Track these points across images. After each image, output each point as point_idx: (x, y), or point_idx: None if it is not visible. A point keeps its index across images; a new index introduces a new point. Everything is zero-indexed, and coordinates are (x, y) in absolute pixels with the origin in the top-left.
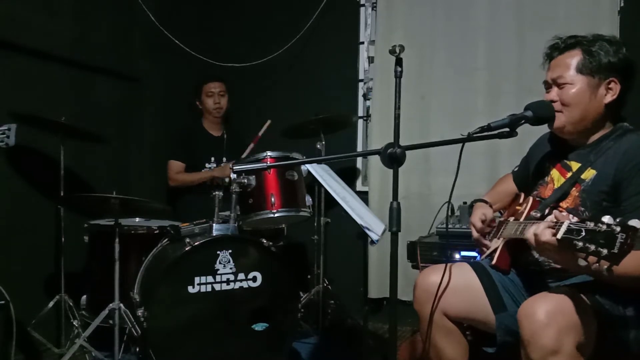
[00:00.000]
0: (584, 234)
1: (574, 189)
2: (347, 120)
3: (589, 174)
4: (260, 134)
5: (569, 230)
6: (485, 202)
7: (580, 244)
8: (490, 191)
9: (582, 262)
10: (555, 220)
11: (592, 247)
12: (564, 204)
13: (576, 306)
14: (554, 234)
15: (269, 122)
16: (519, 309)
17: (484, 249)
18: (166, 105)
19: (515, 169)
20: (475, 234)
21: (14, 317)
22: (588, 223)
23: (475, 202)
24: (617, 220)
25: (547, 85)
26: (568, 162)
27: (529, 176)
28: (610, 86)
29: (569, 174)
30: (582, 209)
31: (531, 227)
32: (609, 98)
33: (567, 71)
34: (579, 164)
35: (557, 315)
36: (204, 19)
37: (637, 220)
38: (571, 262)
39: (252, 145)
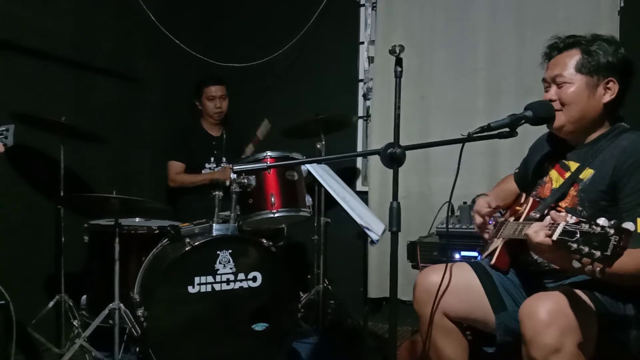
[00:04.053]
0: (578, 235)
1: (572, 188)
2: (347, 120)
3: (587, 173)
4: (259, 135)
5: (564, 232)
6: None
7: (575, 245)
8: (493, 189)
9: (576, 264)
10: (552, 221)
11: (586, 249)
12: (563, 204)
13: (577, 305)
14: (549, 235)
15: (266, 122)
16: (521, 308)
17: (486, 235)
18: (166, 105)
19: (516, 170)
20: (478, 219)
21: (14, 317)
22: (583, 225)
23: (478, 197)
24: (612, 222)
25: (546, 84)
26: (566, 162)
27: (527, 176)
28: (608, 86)
29: (568, 174)
30: (580, 208)
31: (528, 228)
32: (607, 98)
33: (566, 70)
34: (577, 164)
35: (559, 315)
36: (204, 19)
37: (631, 222)
38: (566, 263)
39: (250, 146)
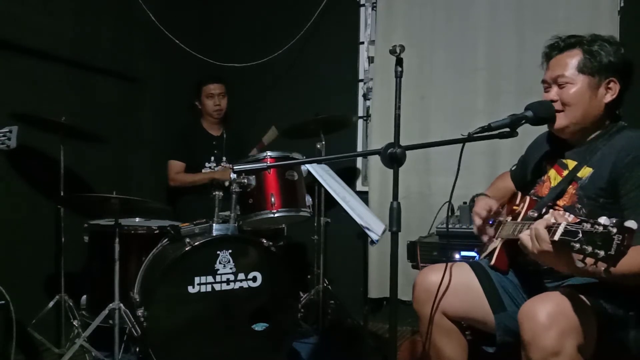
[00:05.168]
0: (580, 235)
1: (570, 186)
2: (347, 120)
3: (586, 171)
4: (264, 141)
5: (566, 232)
6: (487, 196)
7: (577, 245)
8: (490, 187)
9: (579, 264)
10: (553, 220)
11: (589, 249)
12: (560, 202)
13: (577, 307)
14: (551, 236)
15: (273, 128)
16: (520, 310)
17: (485, 238)
18: (166, 105)
19: (513, 168)
20: (478, 221)
21: (14, 317)
22: (585, 224)
23: (476, 196)
24: (614, 221)
25: (546, 85)
26: (564, 161)
27: (526, 176)
28: (609, 86)
29: (565, 172)
30: (579, 206)
31: (527, 230)
32: (608, 98)
33: (567, 70)
34: (575, 162)
35: (559, 317)
36: (204, 19)
37: (633, 221)
38: (568, 264)
39: (254, 150)
